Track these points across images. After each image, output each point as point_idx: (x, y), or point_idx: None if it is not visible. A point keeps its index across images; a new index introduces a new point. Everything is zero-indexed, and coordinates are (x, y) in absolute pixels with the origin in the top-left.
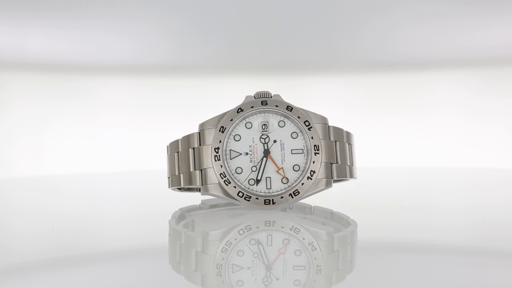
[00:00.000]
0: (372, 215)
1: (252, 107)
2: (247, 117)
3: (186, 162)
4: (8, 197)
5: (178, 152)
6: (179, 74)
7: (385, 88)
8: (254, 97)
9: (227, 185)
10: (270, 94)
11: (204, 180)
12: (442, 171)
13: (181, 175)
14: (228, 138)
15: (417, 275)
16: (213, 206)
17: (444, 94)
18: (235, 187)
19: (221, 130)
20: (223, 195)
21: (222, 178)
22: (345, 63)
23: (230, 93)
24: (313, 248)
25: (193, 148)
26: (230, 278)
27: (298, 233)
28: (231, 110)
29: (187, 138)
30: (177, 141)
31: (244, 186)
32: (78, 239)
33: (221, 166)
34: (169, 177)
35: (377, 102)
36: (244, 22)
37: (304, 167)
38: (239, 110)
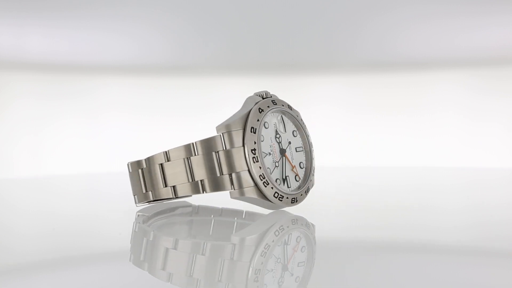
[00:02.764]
0: (372, 215)
1: (268, 106)
2: (265, 116)
3: (207, 167)
4: (8, 197)
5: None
6: (179, 74)
7: (385, 88)
8: (262, 97)
9: (265, 186)
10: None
11: (238, 184)
12: (442, 171)
13: (189, 183)
14: (259, 138)
15: (417, 275)
16: (158, 214)
17: (444, 94)
18: (272, 188)
19: (252, 130)
20: (258, 197)
21: (262, 180)
22: (345, 63)
23: (230, 93)
24: None
25: (217, 152)
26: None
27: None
28: (246, 110)
29: (206, 142)
30: (150, 158)
31: (277, 187)
32: (78, 239)
33: (260, 167)
34: (146, 192)
35: (377, 102)
36: (244, 22)
37: (308, 164)
38: (260, 110)
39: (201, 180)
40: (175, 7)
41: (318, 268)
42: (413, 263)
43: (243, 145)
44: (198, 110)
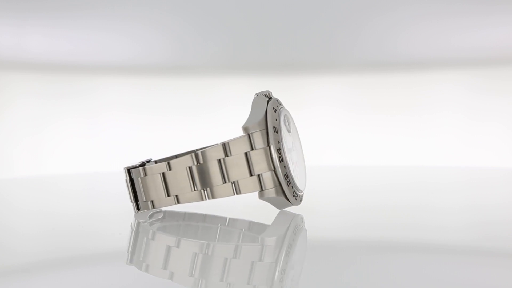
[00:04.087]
0: (372, 215)
1: (277, 106)
2: (279, 116)
3: (241, 168)
4: (8, 197)
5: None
6: (179, 74)
7: (385, 88)
8: (267, 96)
9: (288, 186)
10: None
11: (267, 184)
12: (442, 171)
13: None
14: (282, 138)
15: (417, 274)
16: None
17: (444, 94)
18: (292, 187)
19: (275, 130)
20: (281, 197)
21: (286, 179)
22: (345, 63)
23: (230, 93)
24: None
25: (247, 153)
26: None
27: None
28: (262, 110)
29: (238, 143)
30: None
31: (295, 185)
32: (78, 238)
33: (285, 167)
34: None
35: (377, 102)
36: (244, 22)
37: (300, 163)
38: (274, 109)
39: (235, 181)
40: (175, 7)
41: (318, 268)
42: (413, 262)
43: (269, 145)
44: (198, 110)
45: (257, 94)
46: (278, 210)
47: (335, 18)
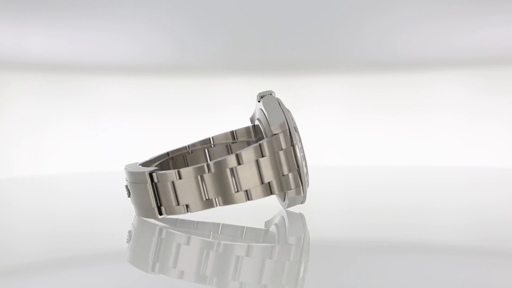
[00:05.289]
0: (372, 215)
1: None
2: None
3: (274, 168)
4: (8, 197)
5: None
6: (179, 74)
7: (385, 88)
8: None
9: (307, 185)
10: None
11: (296, 183)
12: (442, 170)
13: (261, 186)
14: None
15: (417, 274)
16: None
17: (444, 94)
18: (307, 186)
19: (295, 129)
20: (297, 196)
21: (306, 178)
22: (345, 63)
23: (230, 93)
24: None
25: (277, 153)
26: None
27: None
28: (278, 109)
29: (271, 143)
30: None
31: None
32: (78, 238)
33: (305, 166)
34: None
35: (377, 102)
36: (244, 22)
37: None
38: (287, 110)
39: (269, 182)
40: (175, 7)
41: (319, 268)
42: (413, 262)
43: (293, 145)
44: (198, 110)
45: (263, 95)
46: (276, 210)
47: (335, 18)
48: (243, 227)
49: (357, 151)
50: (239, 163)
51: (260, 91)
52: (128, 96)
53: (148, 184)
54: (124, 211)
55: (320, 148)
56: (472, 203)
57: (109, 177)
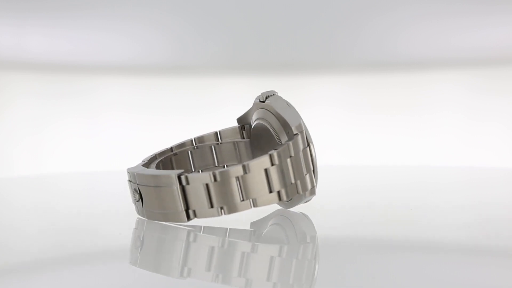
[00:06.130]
0: (372, 215)
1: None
2: None
3: (295, 169)
4: (8, 197)
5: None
6: (179, 74)
7: (385, 88)
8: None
9: (316, 185)
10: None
11: (311, 183)
12: (442, 170)
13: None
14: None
15: (417, 274)
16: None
17: (444, 94)
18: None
19: (305, 129)
20: (310, 196)
21: (316, 178)
22: (345, 63)
23: (230, 93)
24: None
25: (290, 157)
26: None
27: None
28: (291, 109)
29: (292, 144)
30: None
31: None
32: (78, 238)
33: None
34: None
35: (377, 102)
36: (244, 22)
37: None
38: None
39: (292, 183)
40: (175, 7)
41: (319, 267)
42: (413, 262)
43: (308, 145)
44: (198, 110)
45: (268, 95)
46: (274, 209)
47: (335, 18)
48: (251, 230)
49: (357, 151)
50: (272, 164)
51: (263, 91)
52: (128, 96)
53: (176, 187)
54: (124, 211)
55: (320, 148)
56: (472, 203)
57: (109, 177)
